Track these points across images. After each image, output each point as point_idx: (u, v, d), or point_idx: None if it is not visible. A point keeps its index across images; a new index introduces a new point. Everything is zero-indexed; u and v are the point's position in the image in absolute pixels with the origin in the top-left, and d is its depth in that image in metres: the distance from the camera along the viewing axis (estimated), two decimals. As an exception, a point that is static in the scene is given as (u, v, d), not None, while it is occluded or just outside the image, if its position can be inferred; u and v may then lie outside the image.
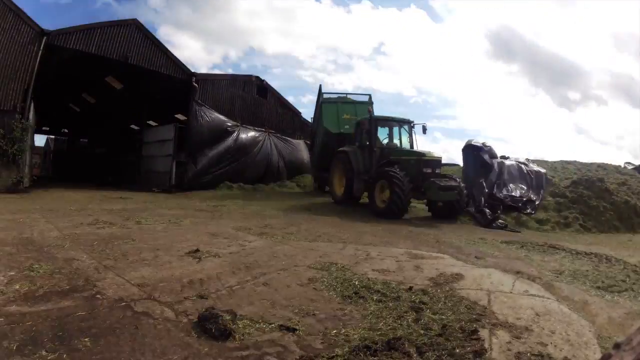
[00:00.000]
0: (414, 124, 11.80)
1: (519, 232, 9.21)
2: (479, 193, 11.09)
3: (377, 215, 9.84)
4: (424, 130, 11.52)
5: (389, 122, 11.92)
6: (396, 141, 11.89)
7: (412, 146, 11.63)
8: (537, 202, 11.02)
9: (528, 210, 10.63)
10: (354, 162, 11.31)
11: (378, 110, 12.51)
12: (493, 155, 12.54)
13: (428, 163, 10.27)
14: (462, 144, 12.88)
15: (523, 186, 11.67)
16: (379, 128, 11.66)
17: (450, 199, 9.98)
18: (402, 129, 11.91)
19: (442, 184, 9.64)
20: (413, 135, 11.74)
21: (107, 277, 3.54)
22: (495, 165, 12.02)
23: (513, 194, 11.30)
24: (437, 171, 10.33)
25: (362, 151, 11.41)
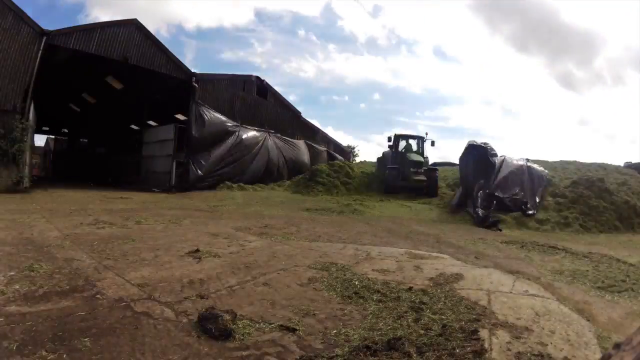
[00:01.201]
0: (425, 139, 16.72)
1: (501, 230, 9.28)
2: (478, 193, 11.11)
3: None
4: (432, 144, 16.48)
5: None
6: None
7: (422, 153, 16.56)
8: (537, 202, 11.04)
9: (530, 212, 10.64)
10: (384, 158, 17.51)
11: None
12: (493, 155, 12.55)
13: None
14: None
15: (523, 186, 11.66)
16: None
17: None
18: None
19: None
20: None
21: (107, 277, 3.53)
22: (494, 165, 12.03)
23: (512, 193, 11.31)
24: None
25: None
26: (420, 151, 16.56)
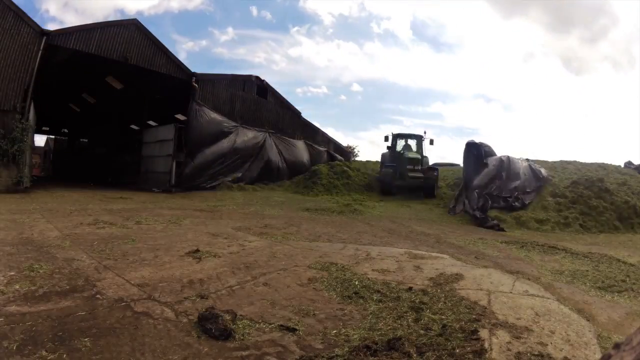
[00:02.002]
0: (424, 138, 16.39)
1: (502, 230, 9.29)
2: (474, 192, 11.14)
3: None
4: (431, 142, 16.00)
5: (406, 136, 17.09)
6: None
7: (421, 152, 16.21)
8: (528, 199, 11.12)
9: (517, 203, 10.76)
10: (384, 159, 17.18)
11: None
12: (491, 154, 12.56)
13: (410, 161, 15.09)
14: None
15: (522, 185, 11.68)
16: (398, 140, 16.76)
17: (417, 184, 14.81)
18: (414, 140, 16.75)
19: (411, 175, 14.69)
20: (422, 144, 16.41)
21: (107, 277, 3.54)
22: (494, 164, 12.04)
23: (509, 192, 11.34)
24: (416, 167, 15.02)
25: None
26: (419, 150, 16.23)
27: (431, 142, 16.03)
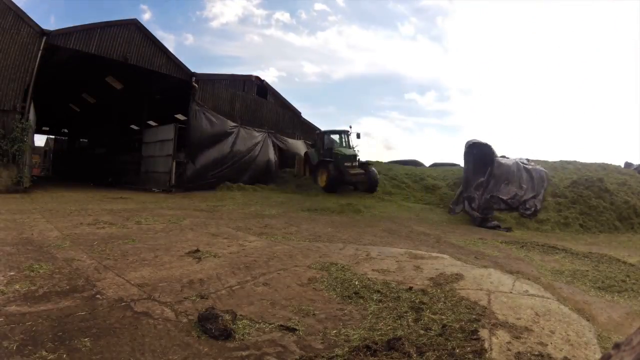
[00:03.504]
0: (349, 132, 16.48)
1: (510, 230, 9.25)
2: (476, 193, 11.12)
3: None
4: (358, 136, 16.06)
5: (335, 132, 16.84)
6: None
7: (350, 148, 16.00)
8: (538, 205, 10.98)
9: (528, 212, 10.63)
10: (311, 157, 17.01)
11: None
12: (492, 155, 12.54)
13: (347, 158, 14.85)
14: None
15: (523, 186, 11.66)
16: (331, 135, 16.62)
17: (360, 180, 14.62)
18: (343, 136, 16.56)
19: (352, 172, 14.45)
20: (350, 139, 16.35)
21: (107, 277, 3.54)
22: (495, 165, 12.02)
23: (512, 193, 11.30)
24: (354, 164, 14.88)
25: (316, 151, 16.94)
26: (347, 145, 16.17)
27: (358, 135, 16.07)
